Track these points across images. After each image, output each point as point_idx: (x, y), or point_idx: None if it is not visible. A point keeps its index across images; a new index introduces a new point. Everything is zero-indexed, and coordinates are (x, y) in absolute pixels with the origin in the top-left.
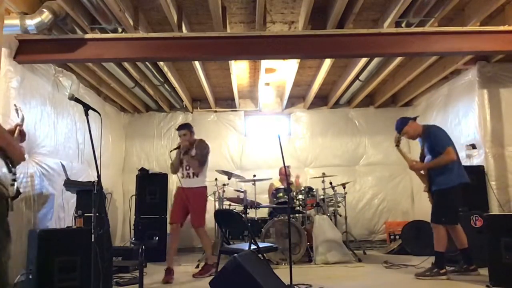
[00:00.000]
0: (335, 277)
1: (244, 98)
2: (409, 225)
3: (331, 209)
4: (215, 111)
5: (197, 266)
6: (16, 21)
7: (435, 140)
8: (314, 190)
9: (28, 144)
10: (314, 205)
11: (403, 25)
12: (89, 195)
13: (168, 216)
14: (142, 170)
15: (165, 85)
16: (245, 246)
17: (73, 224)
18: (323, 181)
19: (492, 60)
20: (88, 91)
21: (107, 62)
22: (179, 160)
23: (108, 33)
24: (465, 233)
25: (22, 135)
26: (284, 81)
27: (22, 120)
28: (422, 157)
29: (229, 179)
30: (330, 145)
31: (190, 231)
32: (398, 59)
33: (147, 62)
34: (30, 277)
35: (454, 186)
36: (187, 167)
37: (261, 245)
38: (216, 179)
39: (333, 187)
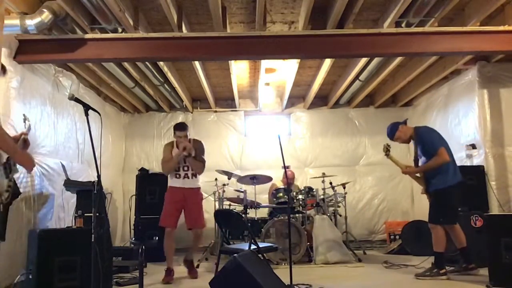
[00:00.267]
0: (335, 277)
1: (244, 98)
2: (409, 225)
3: (331, 209)
4: (215, 111)
5: (197, 266)
6: (16, 21)
7: (427, 141)
8: (314, 190)
9: None
10: (314, 205)
11: (403, 25)
12: (89, 195)
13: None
14: (142, 170)
15: (165, 85)
16: (245, 246)
17: (73, 224)
18: (323, 181)
19: (492, 60)
20: (88, 91)
21: (107, 62)
22: (177, 160)
23: (108, 33)
24: (465, 233)
25: (26, 144)
26: (284, 81)
27: (29, 129)
28: (416, 160)
29: (229, 179)
30: (330, 145)
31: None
32: (398, 59)
33: (147, 62)
34: (30, 277)
35: (451, 185)
36: (186, 168)
37: (261, 245)
38: (216, 179)
39: (333, 187)
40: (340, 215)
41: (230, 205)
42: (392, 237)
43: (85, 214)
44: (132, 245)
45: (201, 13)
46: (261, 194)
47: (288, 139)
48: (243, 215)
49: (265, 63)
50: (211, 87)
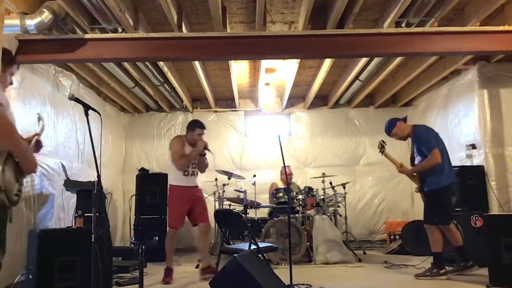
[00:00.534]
0: (335, 277)
1: (244, 98)
2: (409, 225)
3: (331, 209)
4: (215, 111)
5: (197, 266)
6: (16, 21)
7: (422, 141)
8: (314, 190)
9: None
10: (314, 205)
11: (403, 25)
12: (89, 195)
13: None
14: (142, 170)
15: (165, 85)
16: (245, 246)
17: (73, 224)
18: (323, 181)
19: (492, 60)
20: (88, 91)
21: (107, 62)
22: (194, 157)
23: (108, 33)
24: (465, 233)
25: (39, 145)
26: (284, 81)
27: (42, 130)
28: (413, 157)
29: (229, 179)
30: (330, 145)
31: (190, 231)
32: (398, 59)
33: (147, 62)
34: (30, 277)
35: (445, 186)
36: (194, 165)
37: (261, 245)
38: (216, 179)
39: (333, 187)
40: (340, 215)
41: (230, 205)
42: (392, 237)
43: (85, 214)
44: (132, 245)
45: (201, 13)
46: (261, 194)
47: (288, 139)
48: (243, 215)
49: (265, 63)
50: (211, 87)
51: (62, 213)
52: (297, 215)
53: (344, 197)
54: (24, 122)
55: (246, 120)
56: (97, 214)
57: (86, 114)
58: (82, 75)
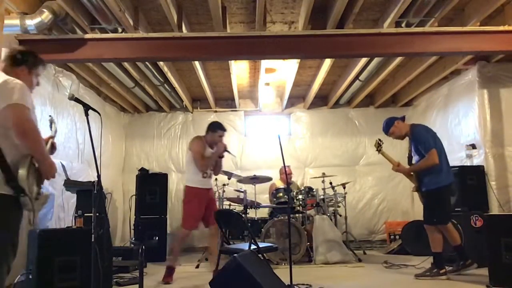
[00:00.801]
0: (335, 277)
1: (244, 98)
2: (409, 225)
3: (331, 209)
4: (215, 111)
5: (197, 266)
6: (16, 21)
7: (420, 141)
8: (314, 190)
9: None
10: (314, 205)
11: (403, 25)
12: (89, 195)
13: (167, 217)
14: (142, 170)
15: (165, 85)
16: (245, 246)
17: (73, 224)
18: (323, 181)
19: (492, 60)
20: (88, 91)
21: (107, 62)
22: (213, 159)
23: (108, 33)
24: (465, 233)
25: (54, 148)
26: (284, 81)
27: (55, 132)
28: (410, 157)
29: (229, 179)
30: (330, 145)
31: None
32: (398, 59)
33: (147, 62)
34: (30, 277)
35: (443, 186)
36: (211, 167)
37: (261, 245)
38: (216, 179)
39: (333, 187)
40: (340, 215)
41: (230, 205)
42: (392, 237)
43: (85, 214)
44: (132, 245)
45: (201, 13)
46: (261, 194)
47: (288, 139)
48: (243, 215)
49: (265, 63)
50: (211, 87)
51: (62, 213)
52: (297, 215)
53: (344, 197)
54: None
55: (246, 120)
56: (97, 214)
57: (86, 114)
58: (82, 75)
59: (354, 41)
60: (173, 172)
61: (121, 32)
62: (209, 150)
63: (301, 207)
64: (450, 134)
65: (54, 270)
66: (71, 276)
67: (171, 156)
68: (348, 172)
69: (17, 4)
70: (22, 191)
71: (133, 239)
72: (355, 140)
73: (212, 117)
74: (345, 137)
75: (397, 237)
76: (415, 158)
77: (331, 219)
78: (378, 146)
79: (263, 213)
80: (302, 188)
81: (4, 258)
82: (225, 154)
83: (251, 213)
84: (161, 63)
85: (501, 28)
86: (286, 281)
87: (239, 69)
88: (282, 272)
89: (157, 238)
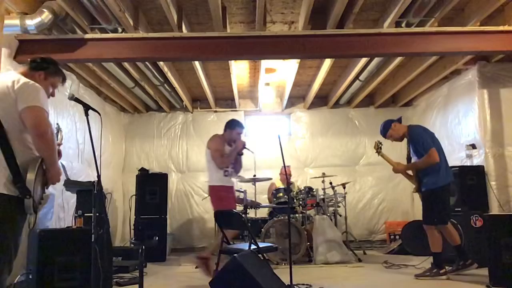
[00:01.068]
0: (335, 277)
1: (244, 98)
2: (409, 225)
3: (331, 209)
4: (215, 111)
5: (197, 266)
6: (16, 21)
7: (418, 141)
8: (314, 190)
9: None
10: (314, 205)
11: (403, 25)
12: (89, 195)
13: (167, 217)
14: (142, 170)
15: (165, 85)
16: (245, 246)
17: (73, 224)
18: (323, 181)
19: (492, 60)
20: (88, 91)
21: (107, 62)
22: (233, 156)
23: (108, 33)
24: (465, 233)
25: (60, 155)
26: (284, 81)
27: (62, 139)
28: (409, 158)
29: None
30: (330, 145)
31: (190, 231)
32: (398, 59)
33: (147, 62)
34: (30, 277)
35: (443, 185)
36: (231, 165)
37: (261, 245)
38: None
39: (333, 187)
40: (340, 215)
41: None
42: (392, 237)
43: (85, 214)
44: (132, 245)
45: (201, 13)
46: (261, 194)
47: (288, 139)
48: (243, 215)
49: (265, 63)
50: (211, 87)
51: (62, 213)
52: (297, 215)
53: (344, 197)
54: None
55: (246, 120)
56: (97, 214)
57: (86, 114)
58: (82, 75)
59: (354, 41)
60: (173, 172)
61: (121, 32)
62: (228, 148)
63: (301, 207)
64: (450, 134)
65: (54, 270)
66: (71, 276)
67: (171, 156)
68: (348, 172)
69: (17, 4)
70: (28, 194)
71: (133, 239)
72: (355, 140)
73: (212, 117)
74: (345, 137)
75: (397, 237)
76: (414, 159)
77: (331, 219)
78: (378, 148)
79: (263, 213)
80: (302, 188)
81: (7, 258)
82: (244, 151)
83: (251, 213)
84: (161, 63)
85: (501, 28)
86: (286, 281)
87: (239, 69)
88: (282, 272)
89: (157, 238)
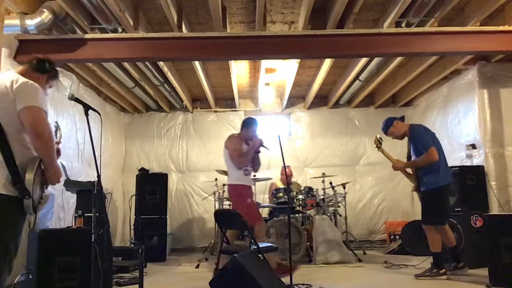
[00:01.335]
0: (335, 277)
1: (244, 98)
2: (409, 225)
3: (331, 209)
4: (215, 111)
5: (197, 266)
6: (16, 21)
7: (419, 140)
8: (314, 190)
9: None
10: (314, 205)
11: (403, 25)
12: (89, 195)
13: (167, 217)
14: (142, 170)
15: (165, 85)
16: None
17: (73, 224)
18: (323, 181)
19: (492, 60)
20: (88, 91)
21: (107, 62)
22: (250, 155)
23: (108, 33)
24: (465, 233)
25: (58, 153)
26: (284, 81)
27: (60, 138)
28: (409, 157)
29: None
30: (330, 145)
31: (190, 231)
32: (398, 59)
33: (147, 62)
34: (30, 277)
35: (442, 185)
36: (250, 164)
37: (261, 245)
38: (216, 179)
39: (333, 187)
40: (340, 215)
41: (230, 205)
42: (392, 237)
43: (85, 214)
44: (132, 245)
45: (201, 13)
46: (261, 194)
47: (288, 139)
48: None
49: (265, 63)
50: (211, 87)
51: (62, 213)
52: (297, 215)
53: (344, 197)
54: None
55: None
56: (97, 214)
57: (86, 114)
58: (82, 75)
59: (354, 41)
60: (173, 172)
61: (121, 32)
62: (245, 146)
63: (301, 207)
64: (450, 134)
65: (54, 270)
66: (71, 276)
67: (171, 156)
68: (348, 172)
69: (17, 4)
70: (27, 194)
71: (133, 239)
72: (355, 140)
73: (212, 117)
74: (345, 137)
75: (397, 237)
76: (413, 158)
77: (331, 219)
78: (378, 143)
79: (263, 213)
80: (302, 188)
81: (7, 258)
82: (262, 149)
83: None
84: (161, 63)
85: (501, 28)
86: (286, 281)
87: (239, 69)
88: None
89: (157, 238)
